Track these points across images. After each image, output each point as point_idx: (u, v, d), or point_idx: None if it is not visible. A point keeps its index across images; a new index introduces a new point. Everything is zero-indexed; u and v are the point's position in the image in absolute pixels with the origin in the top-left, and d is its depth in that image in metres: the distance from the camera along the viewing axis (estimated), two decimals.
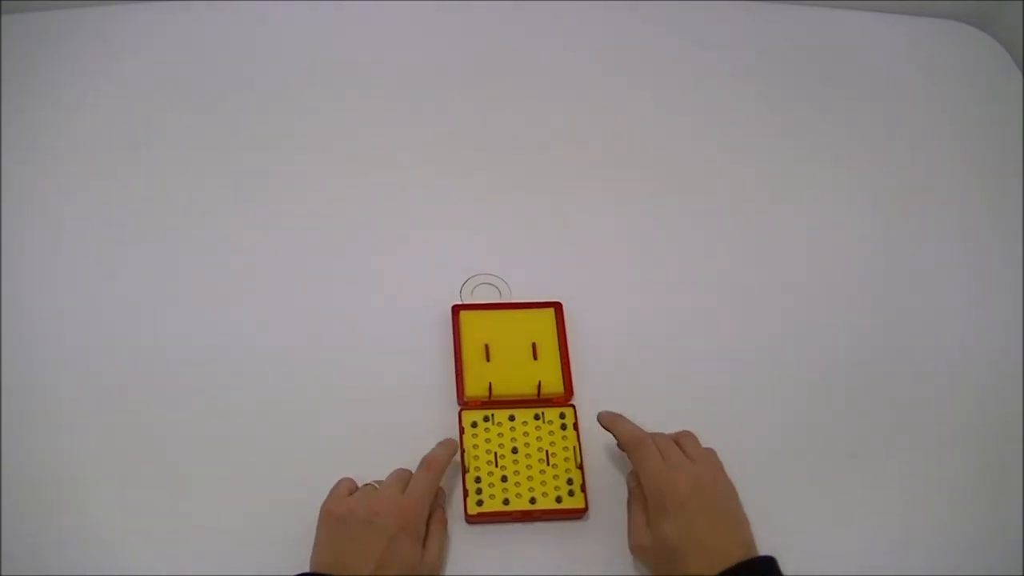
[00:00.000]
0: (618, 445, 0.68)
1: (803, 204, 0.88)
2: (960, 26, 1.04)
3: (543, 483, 0.68)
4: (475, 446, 0.69)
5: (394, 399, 0.73)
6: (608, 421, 0.68)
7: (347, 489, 0.65)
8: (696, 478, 0.63)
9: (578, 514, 0.67)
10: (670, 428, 0.71)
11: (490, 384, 0.72)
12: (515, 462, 0.69)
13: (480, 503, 0.67)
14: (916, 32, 1.03)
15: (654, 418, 0.73)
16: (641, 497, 0.65)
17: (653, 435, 0.67)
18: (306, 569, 0.61)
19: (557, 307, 0.76)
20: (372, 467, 0.67)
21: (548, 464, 0.69)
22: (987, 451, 0.74)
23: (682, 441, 0.67)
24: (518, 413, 0.71)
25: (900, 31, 1.03)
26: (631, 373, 0.76)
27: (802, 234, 0.86)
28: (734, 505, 0.64)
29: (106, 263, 0.80)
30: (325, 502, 0.64)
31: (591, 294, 0.79)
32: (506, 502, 0.67)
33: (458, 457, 0.69)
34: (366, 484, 0.65)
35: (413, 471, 0.66)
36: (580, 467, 0.69)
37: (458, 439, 0.70)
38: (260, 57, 0.95)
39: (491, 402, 0.72)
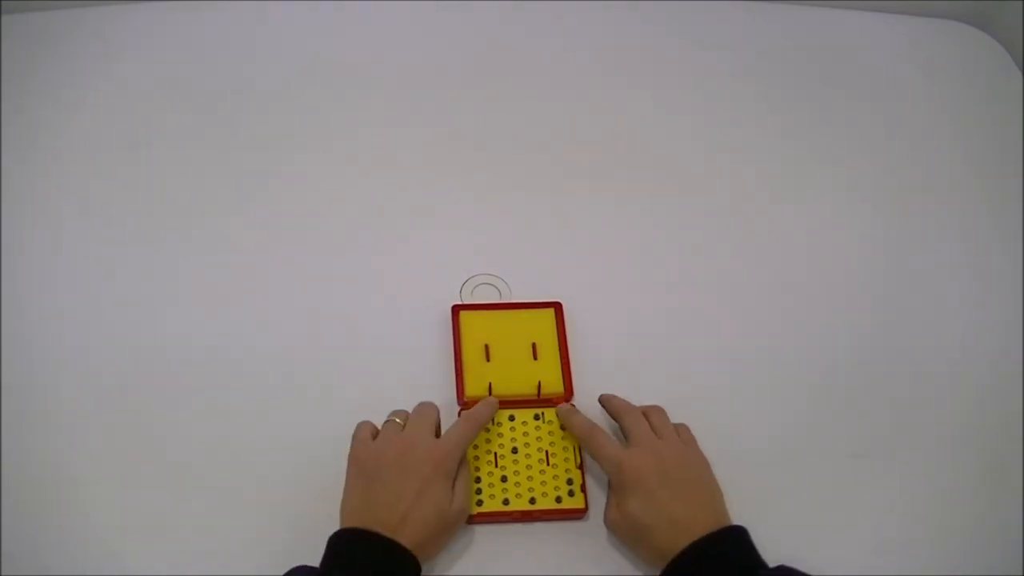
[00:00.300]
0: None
1: (803, 204, 0.88)
2: (960, 26, 1.04)
3: (543, 483, 0.68)
4: (475, 446, 0.69)
5: (394, 399, 0.73)
6: (562, 418, 0.69)
7: (369, 432, 0.65)
8: (658, 453, 0.64)
9: (578, 514, 0.67)
10: None
11: (490, 384, 0.72)
12: (515, 462, 0.69)
13: (480, 503, 0.67)
14: (916, 32, 1.03)
15: None
16: None
17: (625, 408, 0.68)
18: (305, 565, 0.61)
19: (557, 307, 0.76)
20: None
21: (548, 464, 0.69)
22: (987, 451, 0.73)
23: (650, 416, 0.68)
24: (518, 413, 0.71)
25: (900, 31, 1.03)
26: (631, 373, 0.75)
27: (802, 234, 0.86)
28: (702, 477, 0.64)
29: (106, 263, 0.80)
30: (351, 450, 0.64)
31: (591, 294, 0.79)
32: (506, 502, 0.67)
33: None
34: (387, 421, 0.66)
35: (431, 404, 0.68)
36: (580, 467, 0.69)
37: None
38: (260, 57, 0.95)
39: None
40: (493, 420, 0.69)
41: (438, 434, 0.66)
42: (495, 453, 0.69)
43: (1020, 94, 0.98)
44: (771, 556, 0.60)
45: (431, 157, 0.88)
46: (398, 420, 0.66)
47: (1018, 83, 0.99)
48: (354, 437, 0.65)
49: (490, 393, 0.71)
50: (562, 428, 0.70)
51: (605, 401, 0.71)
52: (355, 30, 0.97)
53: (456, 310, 0.76)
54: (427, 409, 0.67)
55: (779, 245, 0.84)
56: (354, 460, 0.64)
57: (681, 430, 0.68)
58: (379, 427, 0.66)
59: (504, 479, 0.68)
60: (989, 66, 1.01)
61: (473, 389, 0.72)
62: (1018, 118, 0.95)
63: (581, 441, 0.68)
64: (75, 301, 0.77)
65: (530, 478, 0.68)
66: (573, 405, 0.71)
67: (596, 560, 0.66)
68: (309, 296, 0.79)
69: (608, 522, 0.65)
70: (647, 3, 1.02)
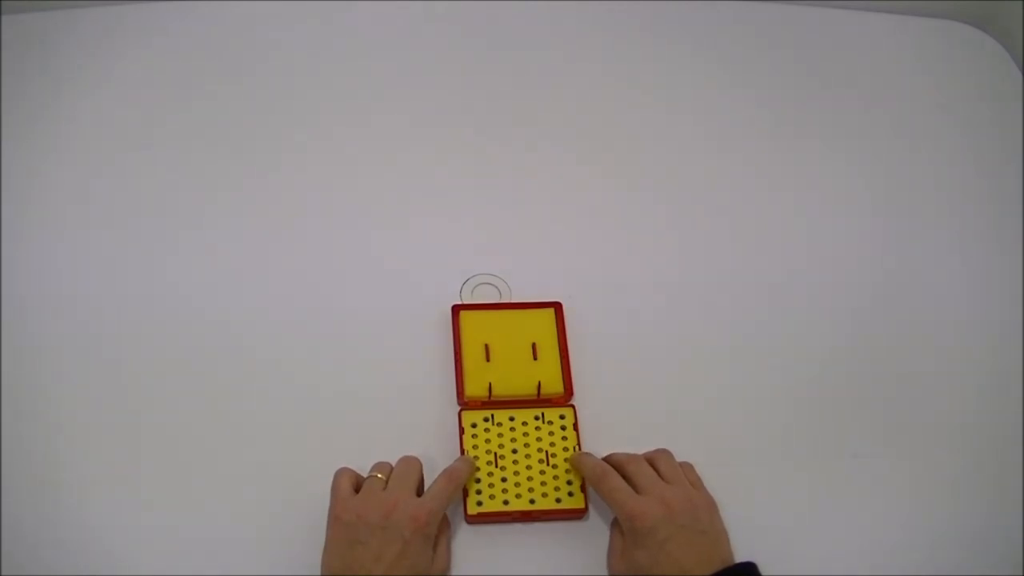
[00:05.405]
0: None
1: (802, 203, 0.88)
2: (960, 26, 1.04)
3: (543, 483, 0.68)
4: (475, 447, 0.69)
5: (394, 399, 0.73)
6: (573, 462, 0.68)
7: (349, 484, 0.64)
8: (667, 501, 0.62)
9: (578, 514, 0.67)
10: (671, 429, 0.71)
11: (490, 384, 0.72)
12: (515, 463, 0.69)
13: (480, 503, 0.67)
14: (916, 32, 1.03)
15: (654, 418, 0.73)
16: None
17: (627, 458, 0.66)
18: (313, 571, 0.61)
19: (557, 307, 0.76)
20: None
21: (548, 464, 0.69)
22: (987, 451, 0.73)
23: (656, 461, 0.66)
24: (518, 414, 0.71)
25: (900, 31, 1.03)
26: (631, 373, 0.76)
27: (802, 233, 0.86)
28: (711, 522, 0.63)
29: (106, 263, 0.80)
30: (331, 507, 0.63)
31: (591, 294, 0.79)
32: (506, 503, 0.67)
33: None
34: (369, 476, 0.65)
35: (414, 459, 0.67)
36: None
37: (458, 440, 0.70)
38: (260, 57, 0.95)
39: (491, 402, 0.72)
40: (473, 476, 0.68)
41: (420, 491, 0.65)
42: (495, 453, 0.69)
43: (1020, 94, 0.97)
44: (770, 556, 0.60)
45: (431, 156, 0.88)
46: (380, 476, 0.65)
47: (1018, 83, 0.99)
48: (334, 490, 0.64)
49: (490, 393, 0.71)
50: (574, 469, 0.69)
51: (607, 459, 0.68)
52: (355, 29, 0.97)
53: (456, 310, 0.76)
54: (410, 465, 0.66)
55: (779, 244, 0.84)
56: (335, 519, 0.62)
57: (687, 470, 0.67)
58: (358, 474, 0.65)
59: (504, 479, 0.68)
60: (989, 66, 1.01)
61: (473, 389, 0.72)
62: (1018, 118, 0.95)
63: (592, 484, 0.66)
64: (75, 302, 0.77)
65: (530, 478, 0.68)
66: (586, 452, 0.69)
67: (596, 560, 0.66)
68: (309, 296, 0.79)
69: (612, 568, 0.64)
70: (647, 3, 1.02)
